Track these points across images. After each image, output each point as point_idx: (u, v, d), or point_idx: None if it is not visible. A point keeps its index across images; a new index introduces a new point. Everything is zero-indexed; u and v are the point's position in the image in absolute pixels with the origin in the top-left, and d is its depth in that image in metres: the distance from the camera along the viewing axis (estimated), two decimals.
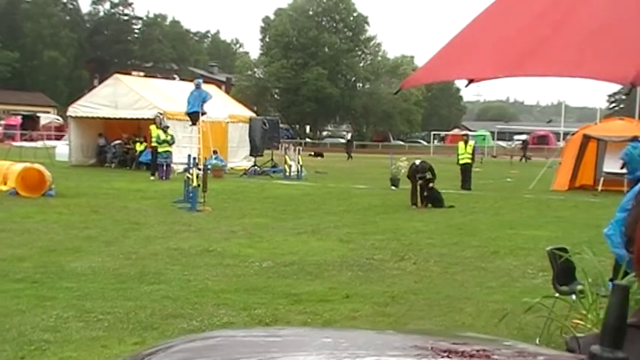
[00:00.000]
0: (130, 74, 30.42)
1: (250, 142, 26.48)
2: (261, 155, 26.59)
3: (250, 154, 26.65)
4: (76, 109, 27.43)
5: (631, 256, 1.32)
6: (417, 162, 17.58)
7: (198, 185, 14.86)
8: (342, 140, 76.81)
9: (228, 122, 28.20)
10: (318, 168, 29.64)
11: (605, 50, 1.64)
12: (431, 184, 16.88)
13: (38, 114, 57.03)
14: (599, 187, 21.52)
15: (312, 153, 41.74)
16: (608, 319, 0.82)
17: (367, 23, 74.63)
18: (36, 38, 73.11)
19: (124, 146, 28.06)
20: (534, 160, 42.87)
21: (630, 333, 1.04)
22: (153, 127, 23.77)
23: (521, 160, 44.96)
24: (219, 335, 1.19)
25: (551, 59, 1.73)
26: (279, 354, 1.06)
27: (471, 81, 2.03)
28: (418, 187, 16.90)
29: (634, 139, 19.83)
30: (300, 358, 1.06)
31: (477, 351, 1.02)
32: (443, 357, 1.01)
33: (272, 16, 74.21)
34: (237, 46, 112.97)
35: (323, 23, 72.78)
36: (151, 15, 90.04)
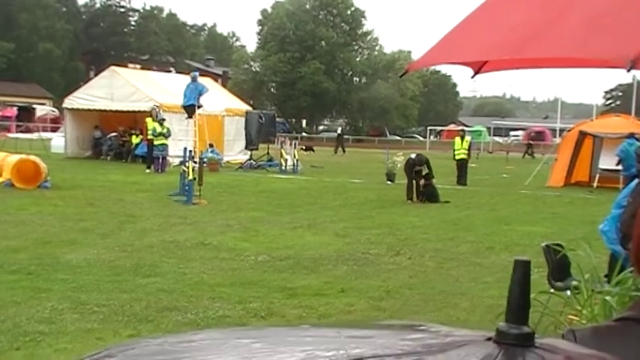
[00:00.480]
0: (126, 66, 30.27)
1: (246, 135, 26.48)
2: (257, 149, 26.57)
3: (246, 148, 26.63)
4: (72, 101, 27.36)
5: (627, 253, 1.33)
6: (413, 155, 17.61)
7: (194, 178, 14.84)
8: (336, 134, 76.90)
9: (224, 116, 28.15)
10: (314, 162, 29.62)
11: (607, 34, 1.65)
12: (428, 181, 16.85)
13: (34, 105, 57.35)
14: (595, 184, 21.57)
15: (303, 147, 41.04)
16: (511, 296, 0.83)
17: (364, 17, 74.62)
18: (31, 30, 72.85)
19: (120, 139, 27.99)
20: (530, 157, 42.91)
21: (628, 326, 1.04)
22: (149, 120, 23.72)
23: (524, 155, 44.48)
24: (135, 345, 1.20)
25: (555, 42, 1.73)
26: None
27: (477, 72, 2.02)
28: (414, 182, 16.92)
29: (630, 135, 19.89)
30: None
31: (389, 339, 1.02)
32: (351, 348, 1.02)
33: (269, 10, 74.12)
34: (234, 39, 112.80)
35: (320, 17, 72.72)
36: (148, 7, 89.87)
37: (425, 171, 16.86)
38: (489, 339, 0.81)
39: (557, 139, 36.17)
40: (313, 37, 69.88)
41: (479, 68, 2.06)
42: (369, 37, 75.57)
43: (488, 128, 65.13)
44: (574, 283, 5.56)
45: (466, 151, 22.34)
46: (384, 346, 0.91)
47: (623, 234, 4.55)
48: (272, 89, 73.46)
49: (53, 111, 55.31)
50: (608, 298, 3.90)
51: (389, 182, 21.11)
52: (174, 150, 22.19)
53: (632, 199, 4.45)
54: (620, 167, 19.94)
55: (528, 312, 0.83)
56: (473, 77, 2.02)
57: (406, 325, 1.10)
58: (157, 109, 23.98)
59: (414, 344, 0.88)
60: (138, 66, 32.54)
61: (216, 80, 40.15)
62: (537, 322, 5.80)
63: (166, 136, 23.07)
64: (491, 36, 1.91)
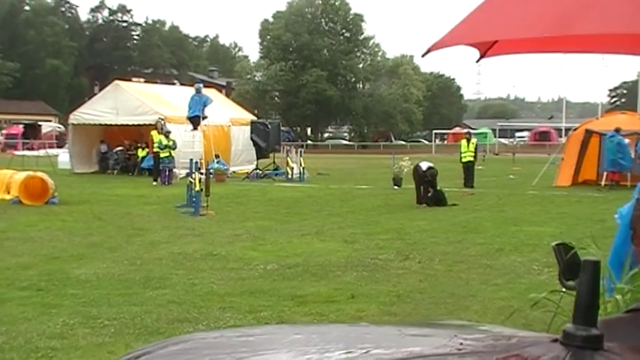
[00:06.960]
0: (130, 80, 30.37)
1: (255, 145, 26.44)
2: (267, 157, 26.57)
3: (257, 157, 26.54)
4: (78, 117, 27.43)
5: (635, 249, 1.31)
6: (424, 167, 16.87)
7: (201, 189, 14.86)
8: (344, 142, 76.94)
9: (229, 126, 28.22)
10: (320, 170, 29.61)
11: None
12: (431, 190, 16.72)
13: (40, 123, 57.54)
14: (603, 182, 21.47)
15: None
16: (580, 297, 0.81)
17: (364, 22, 74.75)
18: (37, 47, 73.22)
19: (126, 152, 28.09)
20: (537, 157, 42.76)
21: (638, 317, 1.03)
22: (154, 133, 23.80)
23: None
24: (191, 339, 1.19)
25: (605, 15, 1.61)
26: (248, 354, 1.05)
27: (482, 56, 1.92)
28: (422, 188, 16.81)
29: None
30: (269, 356, 1.06)
31: (451, 337, 1.00)
32: (412, 346, 1.00)
33: (270, 19, 74.29)
34: (237, 49, 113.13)
35: (322, 24, 72.89)
36: (150, 21, 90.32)
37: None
38: (555, 340, 0.79)
39: (563, 139, 36.06)
40: (314, 46, 69.99)
41: (486, 51, 1.96)
42: (371, 42, 75.68)
43: (494, 130, 64.93)
44: None
45: (473, 154, 22.30)
46: (446, 345, 0.90)
47: (633, 231, 4.50)
48: (276, 98, 73.56)
49: (59, 127, 55.55)
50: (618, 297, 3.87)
51: (395, 187, 21.07)
52: (181, 162, 22.24)
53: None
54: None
55: (597, 313, 0.80)
56: (478, 61, 1.92)
57: (467, 326, 1.09)
58: (162, 122, 24.05)
59: (477, 344, 0.87)
60: (142, 80, 32.66)
61: (220, 91, 40.24)
62: (550, 322, 5.77)
63: (172, 148, 23.12)
64: (523, 12, 1.79)
